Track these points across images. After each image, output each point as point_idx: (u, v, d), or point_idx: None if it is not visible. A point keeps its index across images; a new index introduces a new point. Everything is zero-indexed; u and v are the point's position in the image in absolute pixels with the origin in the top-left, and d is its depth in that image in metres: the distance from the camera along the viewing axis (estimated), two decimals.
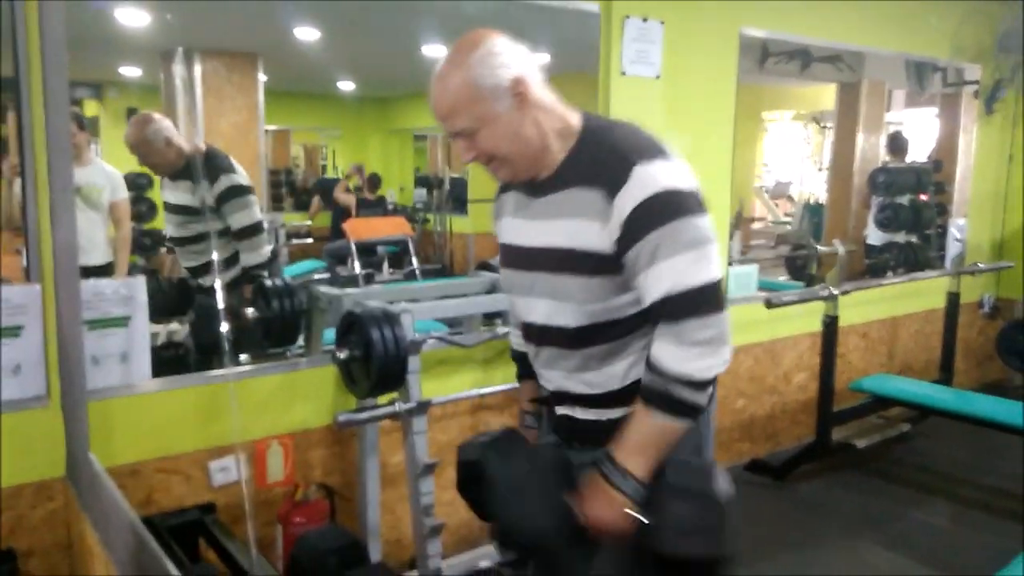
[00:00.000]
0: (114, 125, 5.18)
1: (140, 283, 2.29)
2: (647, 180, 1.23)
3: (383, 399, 2.39)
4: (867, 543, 2.96)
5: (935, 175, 5.33)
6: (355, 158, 8.15)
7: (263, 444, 2.41)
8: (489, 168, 1.35)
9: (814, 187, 9.18)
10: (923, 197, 5.29)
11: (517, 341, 1.65)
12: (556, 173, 1.34)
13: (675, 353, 1.24)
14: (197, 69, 4.42)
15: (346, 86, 7.31)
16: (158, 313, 2.83)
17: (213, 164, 2.86)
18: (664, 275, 1.23)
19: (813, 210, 8.27)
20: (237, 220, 2.87)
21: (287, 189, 7.80)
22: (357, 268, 5.29)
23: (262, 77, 4.61)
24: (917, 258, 5.02)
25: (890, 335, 4.34)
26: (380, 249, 5.76)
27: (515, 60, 1.28)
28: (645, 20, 2.94)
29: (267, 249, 2.97)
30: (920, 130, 7.02)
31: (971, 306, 4.66)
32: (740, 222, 6.55)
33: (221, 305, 2.71)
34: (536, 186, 1.37)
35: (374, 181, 6.86)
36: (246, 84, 4.50)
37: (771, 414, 3.79)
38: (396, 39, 4.58)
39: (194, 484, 2.34)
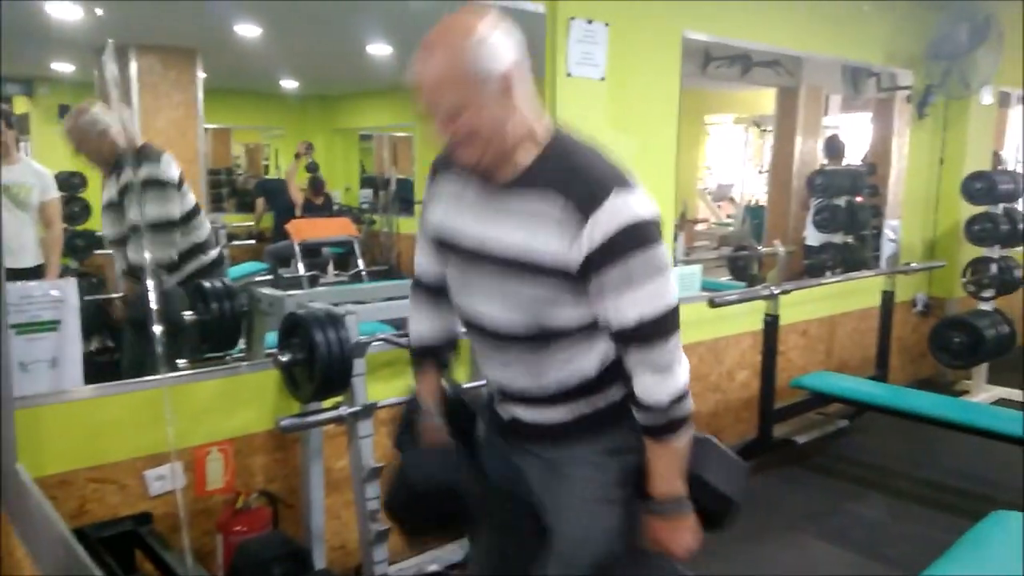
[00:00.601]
0: (46, 123, 4.99)
1: (71, 285, 2.21)
2: (623, 208, 1.25)
3: (327, 403, 2.34)
4: (808, 537, 3.02)
5: (869, 178, 5.50)
6: None
7: (202, 451, 2.34)
8: (458, 149, 1.30)
9: (755, 189, 9.38)
10: (858, 199, 5.45)
11: (417, 327, 1.62)
12: (521, 175, 1.32)
13: (655, 383, 1.32)
14: (133, 65, 4.28)
15: (289, 84, 7.17)
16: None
17: (141, 157, 2.77)
18: (636, 302, 1.28)
19: (754, 212, 8.44)
20: (148, 212, 2.74)
21: (228, 190, 7.62)
22: (301, 270, 5.20)
23: (201, 74, 4.48)
24: (853, 258, 5.16)
25: (828, 333, 4.45)
26: (325, 250, 5.67)
27: (510, 50, 1.27)
28: (590, 22, 2.96)
29: (213, 253, 2.87)
30: (855, 134, 7.23)
31: (905, 305, 4.81)
32: (684, 224, 6.64)
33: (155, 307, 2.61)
34: (494, 185, 1.35)
35: (318, 185, 6.73)
36: (184, 81, 4.37)
37: (715, 411, 3.85)
38: (341, 37, 4.51)
39: (129, 494, 2.27)
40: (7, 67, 3.98)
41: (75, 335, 2.20)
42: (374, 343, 2.43)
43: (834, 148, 5.97)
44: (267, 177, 8.08)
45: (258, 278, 4.98)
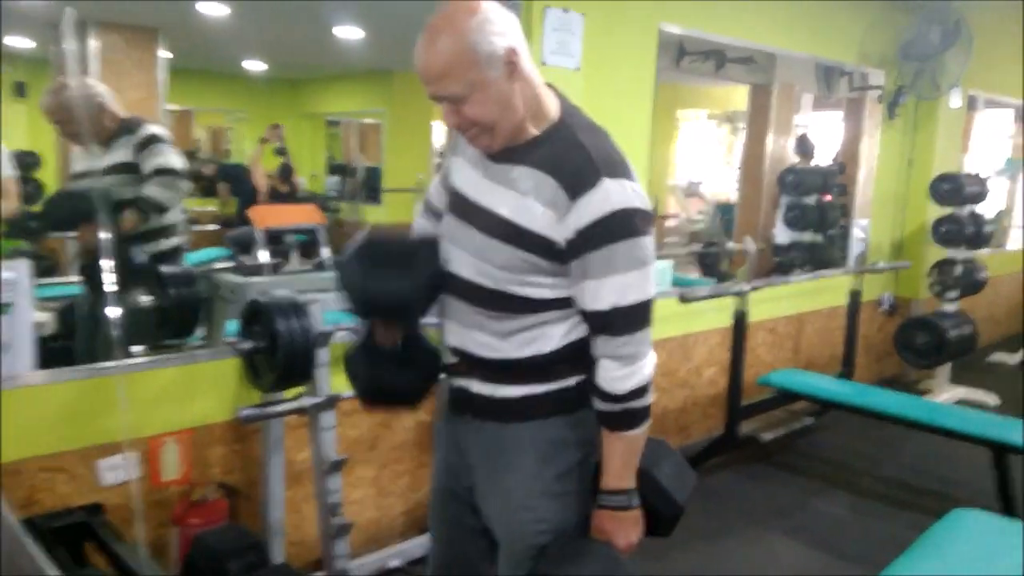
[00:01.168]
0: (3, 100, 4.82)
1: (23, 267, 2.11)
2: (613, 195, 1.27)
3: (289, 393, 2.28)
4: (773, 533, 3.03)
5: (839, 177, 5.54)
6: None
7: (158, 441, 2.27)
8: (468, 135, 1.33)
9: (725, 186, 9.43)
10: (827, 198, 5.49)
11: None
12: (522, 148, 1.34)
13: (617, 373, 1.33)
14: (92, 43, 4.15)
15: (255, 67, 7.03)
16: None
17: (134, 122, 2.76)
18: (614, 289, 1.29)
19: (724, 209, 8.48)
20: (157, 161, 2.70)
21: (191, 174, 7.45)
22: (264, 257, 5.07)
23: (163, 53, 4.35)
24: (822, 257, 5.20)
25: (796, 331, 4.47)
26: (289, 238, 5.54)
27: (510, 29, 1.28)
28: (566, 11, 2.91)
29: (175, 196, 2.78)
30: (825, 133, 7.29)
31: (871, 304, 4.85)
32: (655, 219, 6.64)
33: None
34: (500, 153, 1.36)
35: (286, 172, 6.57)
36: (146, 60, 4.24)
37: (683, 407, 3.85)
38: (310, 19, 4.41)
39: (81, 483, 2.19)
40: None
41: (27, 319, 2.11)
42: (338, 333, 2.36)
43: (805, 147, 6.01)
44: (228, 162, 7.91)
45: (219, 264, 4.85)
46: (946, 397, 4.67)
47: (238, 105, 7.87)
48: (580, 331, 1.38)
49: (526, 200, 1.31)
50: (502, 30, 1.26)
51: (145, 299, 2.42)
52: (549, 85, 1.39)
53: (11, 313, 2.06)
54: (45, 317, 2.79)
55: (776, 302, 4.15)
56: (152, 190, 2.67)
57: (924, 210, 4.95)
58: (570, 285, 1.33)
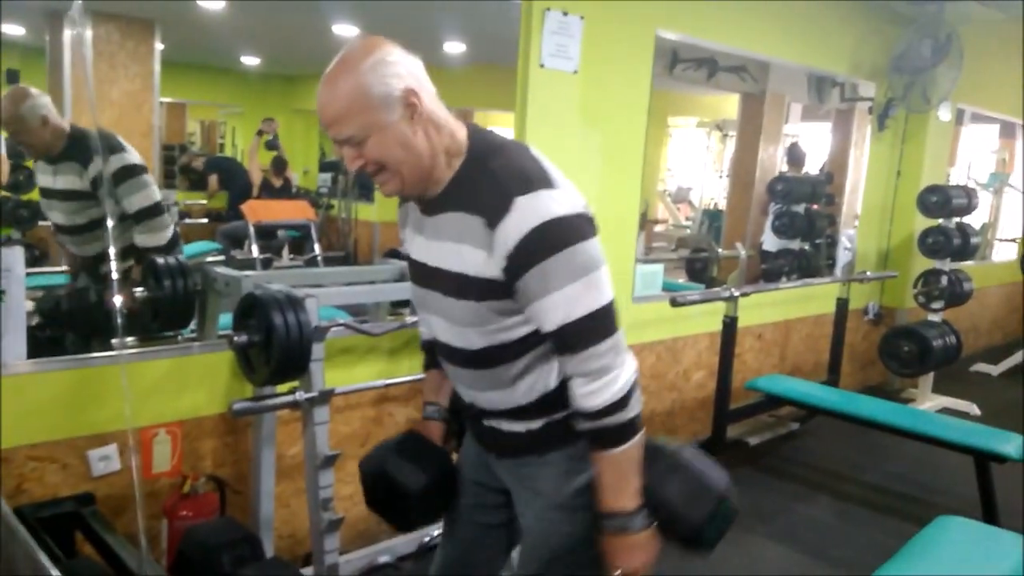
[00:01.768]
0: None
1: (17, 254, 2.10)
2: (528, 212, 1.20)
3: (282, 388, 2.28)
4: (758, 537, 3.05)
5: (827, 187, 5.60)
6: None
7: (149, 432, 2.26)
8: (377, 180, 1.29)
9: (714, 193, 9.50)
10: (815, 207, 5.54)
11: (425, 330, 1.61)
12: (442, 194, 1.31)
13: (589, 390, 1.27)
14: (88, 33, 4.12)
15: (250, 61, 7.00)
16: None
17: (90, 144, 2.60)
18: (557, 305, 1.23)
19: (713, 215, 8.55)
20: (133, 203, 2.64)
21: (179, 170, 7.41)
22: (255, 251, 5.08)
23: (159, 46, 4.34)
24: (809, 265, 5.25)
25: (783, 337, 4.51)
26: (281, 233, 5.55)
27: (408, 70, 1.24)
28: (565, 14, 2.93)
29: (168, 232, 2.75)
30: (813, 143, 7.35)
31: (857, 312, 4.90)
32: (644, 224, 6.68)
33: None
34: (426, 204, 1.34)
35: (279, 165, 6.56)
36: (141, 52, 4.22)
37: (671, 410, 3.87)
38: (306, 15, 4.41)
39: (71, 473, 2.18)
40: None
41: (20, 307, 2.09)
42: (333, 328, 2.37)
43: (795, 156, 6.07)
44: (219, 155, 7.88)
45: (210, 258, 4.85)
46: (929, 406, 4.73)
47: (232, 99, 7.83)
48: None
49: (461, 247, 1.27)
50: (398, 72, 1.22)
51: (139, 291, 2.41)
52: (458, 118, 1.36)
53: (4, 301, 2.05)
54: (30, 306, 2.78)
55: (764, 308, 4.19)
56: (143, 239, 2.66)
57: (911, 221, 5.01)
58: (525, 315, 1.29)
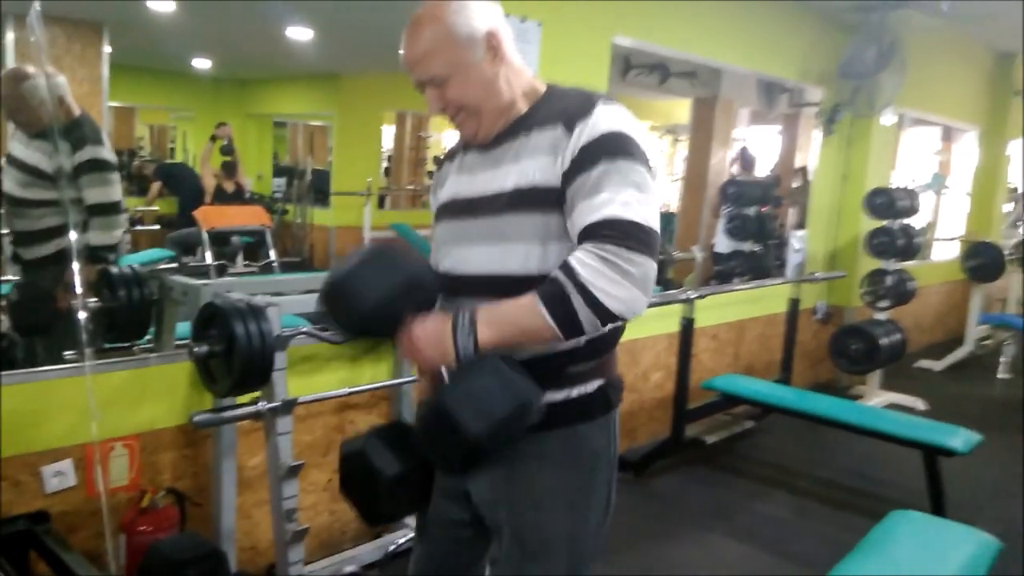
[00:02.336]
0: None
1: None
2: (607, 118, 1.25)
3: (244, 398, 2.25)
4: (717, 535, 3.11)
5: (775, 189, 5.73)
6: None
7: (105, 446, 2.21)
8: (456, 120, 1.35)
9: (666, 196, 9.62)
10: (765, 209, 5.67)
11: None
12: (513, 124, 1.34)
13: (593, 266, 1.15)
14: (35, 37, 4.00)
15: (202, 64, 6.87)
16: None
17: (82, 132, 2.62)
18: (607, 203, 1.17)
19: (666, 218, 8.67)
20: (95, 195, 2.63)
21: (127, 172, 7.22)
22: (209, 258, 4.98)
23: (107, 49, 4.23)
24: (760, 266, 5.37)
25: (737, 337, 4.60)
26: (235, 239, 5.45)
27: (490, 14, 1.31)
28: (524, 19, 2.95)
29: (119, 232, 2.73)
30: (762, 146, 7.51)
31: (806, 312, 5.02)
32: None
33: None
34: (488, 140, 1.37)
35: (230, 168, 6.41)
36: (89, 55, 4.11)
37: (630, 411, 3.92)
38: (260, 18, 4.35)
39: (24, 491, 2.12)
40: None
41: None
42: (296, 337, 2.35)
43: (746, 160, 6.20)
44: (169, 162, 7.72)
45: (162, 265, 4.74)
46: (877, 401, 4.87)
47: (183, 103, 7.67)
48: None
49: (524, 163, 1.29)
50: (480, 14, 1.29)
51: (93, 300, 2.35)
52: None
53: None
54: None
55: (718, 309, 4.27)
56: (95, 235, 2.63)
57: (858, 222, 5.16)
58: (567, 217, 1.23)
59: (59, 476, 2.18)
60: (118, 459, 2.26)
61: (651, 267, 1.17)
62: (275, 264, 5.50)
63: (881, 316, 4.88)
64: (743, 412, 4.22)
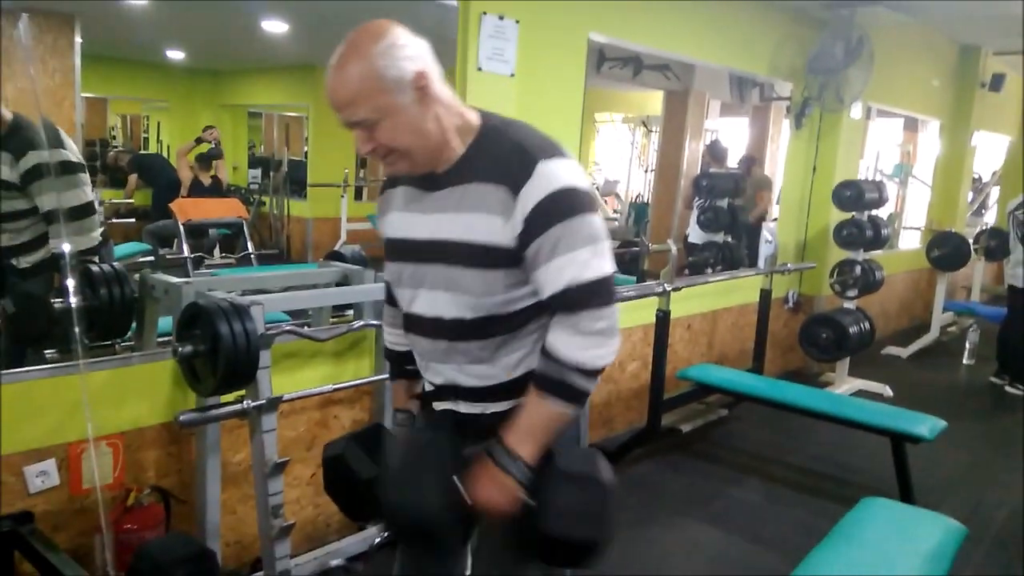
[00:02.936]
0: None
1: None
2: (550, 177, 1.27)
3: (228, 396, 2.26)
4: (693, 521, 3.19)
5: (746, 181, 5.81)
6: (183, 132, 7.54)
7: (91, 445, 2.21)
8: (386, 161, 1.33)
9: (640, 186, 9.71)
10: (737, 201, 5.75)
11: (393, 340, 1.63)
12: (455, 167, 1.34)
13: (571, 342, 1.29)
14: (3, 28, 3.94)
15: (176, 55, 6.78)
16: None
17: (21, 138, 2.51)
18: (565, 268, 1.27)
19: (639, 208, 8.75)
20: (67, 199, 2.58)
21: (100, 163, 7.12)
22: (186, 251, 4.95)
23: (79, 40, 4.18)
24: (733, 256, 5.45)
25: (711, 327, 4.69)
26: (212, 231, 5.42)
27: (418, 53, 1.28)
28: (501, 18, 2.98)
29: (97, 233, 2.69)
30: (732, 138, 7.61)
31: (778, 301, 5.12)
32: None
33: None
34: (433, 180, 1.36)
35: (206, 160, 6.33)
36: (61, 47, 4.06)
37: (607, 401, 3.99)
38: (234, 10, 4.32)
39: (7, 492, 2.11)
40: None
41: None
42: (279, 335, 2.36)
43: (717, 152, 6.27)
44: (144, 152, 7.63)
45: (140, 259, 4.71)
46: (845, 389, 5.00)
47: (157, 94, 7.57)
48: None
49: (475, 216, 1.30)
50: (410, 55, 1.26)
51: (58, 301, 2.34)
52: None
53: None
54: None
55: (692, 300, 4.34)
56: (74, 241, 2.57)
57: (827, 214, 5.26)
58: (530, 279, 1.31)
59: (42, 476, 2.18)
60: (102, 458, 2.26)
61: (615, 311, 1.31)
62: (253, 256, 5.48)
63: (850, 305, 4.99)
64: (717, 401, 4.30)
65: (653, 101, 7.69)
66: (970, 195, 7.82)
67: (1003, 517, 3.35)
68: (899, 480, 3.22)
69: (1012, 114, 7.75)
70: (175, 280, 2.46)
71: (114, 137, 7.80)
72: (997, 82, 6.73)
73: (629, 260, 5.99)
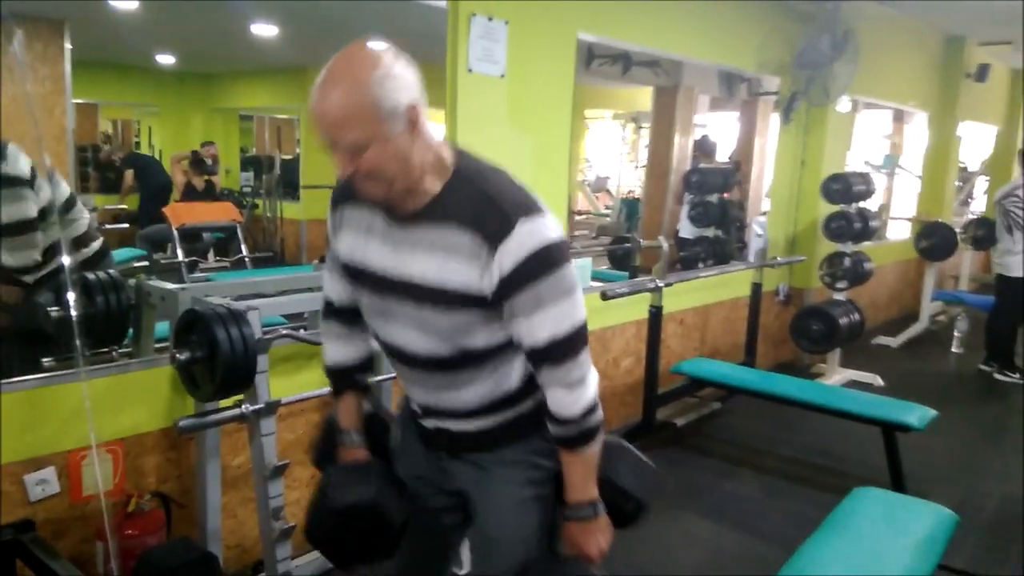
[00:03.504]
0: None
1: None
2: (528, 236, 1.27)
3: (226, 400, 2.28)
4: (688, 514, 3.22)
5: (736, 175, 5.86)
6: (174, 137, 7.54)
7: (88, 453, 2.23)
8: (362, 185, 1.30)
9: (630, 183, 9.75)
10: (727, 196, 5.79)
11: (334, 355, 1.62)
12: (428, 206, 1.33)
13: (566, 400, 1.37)
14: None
15: (166, 60, 6.76)
16: None
17: None
18: (546, 323, 1.31)
19: (630, 204, 8.78)
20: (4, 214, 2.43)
21: (93, 166, 7.10)
22: (180, 255, 4.95)
23: (68, 46, 4.17)
24: (723, 251, 5.49)
25: (703, 322, 4.72)
26: (206, 236, 5.42)
27: (413, 85, 1.26)
28: (491, 19, 2.99)
29: (35, 252, 2.57)
30: (721, 132, 7.63)
31: (768, 294, 5.17)
32: (568, 215, 6.83)
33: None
34: (402, 216, 1.35)
35: (200, 163, 6.29)
36: (51, 53, 4.05)
37: (602, 396, 3.88)
38: (224, 14, 4.32)
39: (8, 500, 2.13)
40: None
41: None
42: (277, 339, 2.38)
43: (707, 147, 6.31)
44: (138, 152, 7.60)
45: (136, 264, 4.70)
46: (837, 379, 5.04)
47: (147, 99, 7.55)
48: None
49: (453, 262, 1.30)
50: (404, 86, 1.23)
51: (55, 310, 2.34)
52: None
53: None
54: None
55: (684, 295, 4.38)
56: (5, 257, 2.46)
57: (816, 207, 5.31)
58: (506, 326, 1.35)
59: (42, 484, 2.19)
60: (103, 464, 2.28)
61: (587, 352, 1.39)
62: (247, 260, 5.49)
63: (840, 296, 5.04)
64: (710, 394, 4.35)
65: (643, 97, 7.71)
66: (958, 184, 7.88)
67: (994, 504, 3.40)
68: (890, 469, 3.26)
69: (997, 104, 7.81)
70: (171, 286, 2.48)
71: (106, 142, 7.78)
72: (982, 72, 6.78)
73: (621, 256, 6.02)
